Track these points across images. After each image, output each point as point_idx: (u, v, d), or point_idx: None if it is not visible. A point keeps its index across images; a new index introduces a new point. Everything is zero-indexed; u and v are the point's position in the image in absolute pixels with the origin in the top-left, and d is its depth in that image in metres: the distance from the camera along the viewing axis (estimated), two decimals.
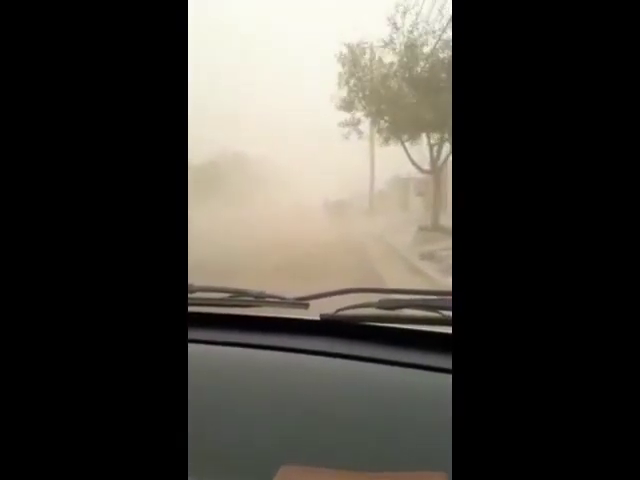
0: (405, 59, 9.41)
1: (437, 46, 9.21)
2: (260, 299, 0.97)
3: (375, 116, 10.27)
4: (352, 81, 10.00)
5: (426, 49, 9.38)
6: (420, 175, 12.06)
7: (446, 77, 8.42)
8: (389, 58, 9.70)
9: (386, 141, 10.91)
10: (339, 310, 0.89)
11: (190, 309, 0.94)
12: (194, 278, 1.00)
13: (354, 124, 10.53)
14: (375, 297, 0.89)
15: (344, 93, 10.16)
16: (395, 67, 9.61)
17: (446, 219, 9.14)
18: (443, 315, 0.82)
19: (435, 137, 9.98)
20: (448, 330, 0.73)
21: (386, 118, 10.08)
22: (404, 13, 9.13)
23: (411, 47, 9.35)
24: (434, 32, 9.19)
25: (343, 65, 9.95)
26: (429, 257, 6.88)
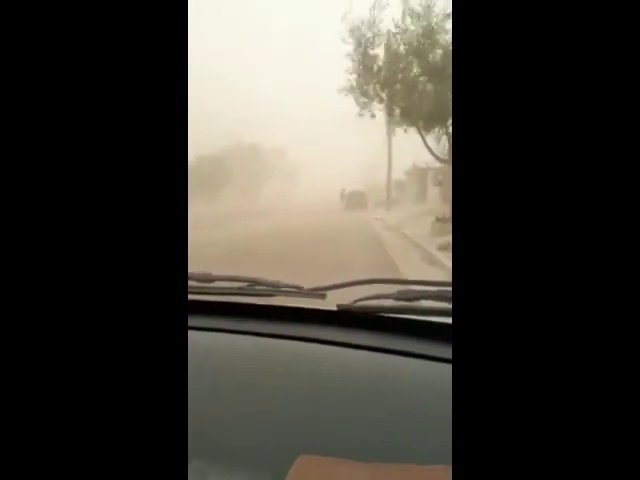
0: (422, 45, 9.24)
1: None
2: (277, 289, 0.97)
3: (390, 103, 10.14)
4: (362, 67, 9.84)
5: (444, 35, 9.20)
6: (438, 165, 11.92)
7: None
8: (406, 44, 9.54)
9: (403, 130, 10.78)
10: (356, 301, 0.88)
11: (207, 298, 0.95)
12: (210, 267, 1.01)
13: (366, 105, 10.37)
14: (393, 288, 0.88)
15: (356, 78, 10.02)
16: (412, 53, 9.46)
17: None
18: None
19: None
20: None
21: (402, 105, 9.93)
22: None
23: (428, 33, 9.18)
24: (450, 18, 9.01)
25: (355, 49, 9.81)
26: (447, 248, 6.81)
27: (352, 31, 9.70)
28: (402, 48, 9.59)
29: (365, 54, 9.83)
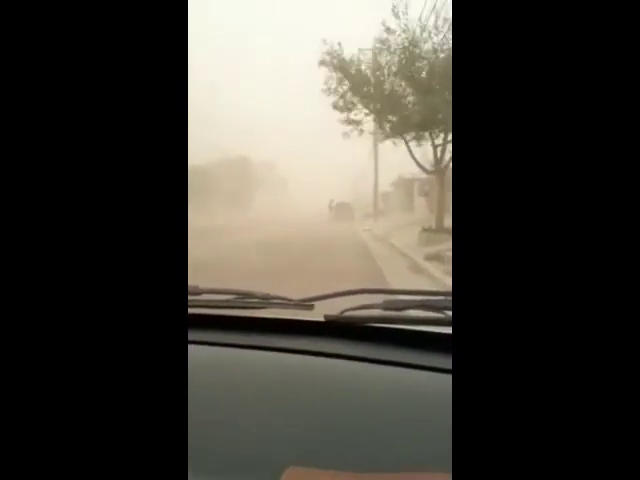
0: (405, 59, 9.39)
1: (438, 45, 9.20)
2: (265, 301, 0.97)
3: (377, 116, 10.25)
4: (344, 85, 9.98)
5: (427, 48, 9.37)
6: (424, 176, 12.03)
7: (449, 76, 8.38)
8: (387, 58, 9.68)
9: (390, 142, 10.90)
10: (344, 311, 0.88)
11: (196, 311, 0.95)
12: (199, 280, 1.01)
13: (356, 124, 10.49)
14: (380, 298, 0.89)
15: (339, 96, 10.15)
16: (395, 67, 9.60)
17: (451, 220, 9.05)
18: (448, 316, 0.81)
19: (439, 138, 9.96)
20: None
21: (389, 118, 10.05)
22: (402, 13, 9.13)
23: (411, 46, 9.33)
24: (435, 30, 9.18)
25: (334, 69, 9.94)
26: (434, 258, 6.86)
27: (330, 53, 9.85)
28: (386, 63, 9.73)
29: (341, 76, 9.94)
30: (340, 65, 9.86)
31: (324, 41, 9.78)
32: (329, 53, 9.82)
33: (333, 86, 10.05)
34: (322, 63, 9.94)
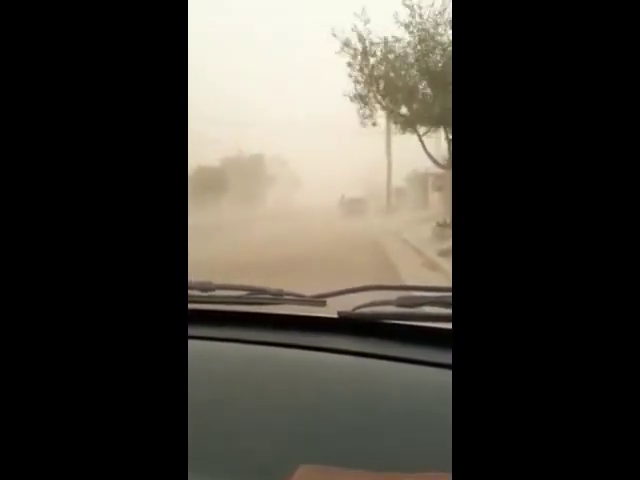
0: (421, 51, 9.34)
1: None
2: (278, 297, 0.97)
3: (391, 109, 10.20)
4: (362, 74, 9.93)
5: (443, 41, 9.28)
6: (438, 170, 11.94)
7: None
8: (404, 50, 9.63)
9: (403, 136, 10.83)
10: (357, 308, 0.88)
11: (208, 307, 0.95)
12: (211, 276, 1.01)
13: (369, 116, 10.44)
14: (393, 294, 0.88)
15: (356, 85, 10.12)
16: (410, 59, 9.54)
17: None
18: None
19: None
20: None
21: (402, 111, 10.00)
22: (417, 7, 9.07)
23: (427, 39, 9.27)
24: (449, 23, 9.08)
25: (354, 56, 9.89)
26: (448, 253, 6.81)
27: (347, 43, 9.80)
28: (400, 56, 9.67)
29: (363, 63, 9.91)
30: (364, 53, 9.77)
31: (342, 31, 9.73)
32: (346, 43, 9.75)
33: (351, 75, 9.99)
34: (344, 47, 9.82)
